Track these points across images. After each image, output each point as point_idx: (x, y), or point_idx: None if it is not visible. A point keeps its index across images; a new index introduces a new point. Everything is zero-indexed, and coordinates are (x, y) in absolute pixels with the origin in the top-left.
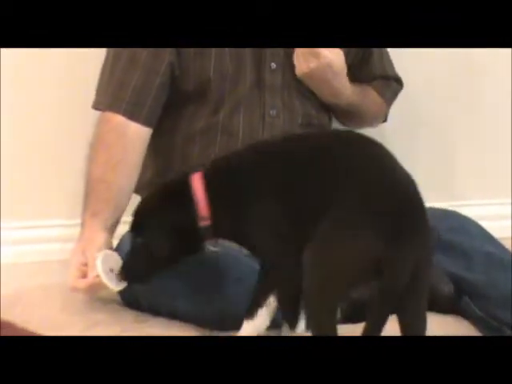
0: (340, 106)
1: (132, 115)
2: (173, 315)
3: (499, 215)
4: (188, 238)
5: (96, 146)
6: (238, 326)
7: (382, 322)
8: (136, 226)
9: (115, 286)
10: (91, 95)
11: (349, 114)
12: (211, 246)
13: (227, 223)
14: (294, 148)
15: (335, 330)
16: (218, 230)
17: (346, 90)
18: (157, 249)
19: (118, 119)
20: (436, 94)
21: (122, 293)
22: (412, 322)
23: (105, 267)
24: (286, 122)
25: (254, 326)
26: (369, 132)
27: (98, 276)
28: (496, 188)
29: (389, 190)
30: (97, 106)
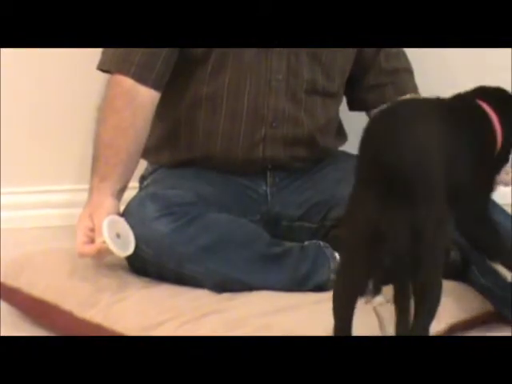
0: None
1: (141, 78)
2: (180, 280)
3: None
4: None
5: (105, 109)
6: (241, 289)
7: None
8: None
9: (121, 251)
10: (99, 57)
11: None
12: None
13: None
14: None
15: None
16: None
17: None
18: None
19: (128, 82)
20: None
21: (129, 258)
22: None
23: (111, 233)
24: (291, 86)
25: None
26: None
27: (104, 242)
28: None
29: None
30: (102, 66)
